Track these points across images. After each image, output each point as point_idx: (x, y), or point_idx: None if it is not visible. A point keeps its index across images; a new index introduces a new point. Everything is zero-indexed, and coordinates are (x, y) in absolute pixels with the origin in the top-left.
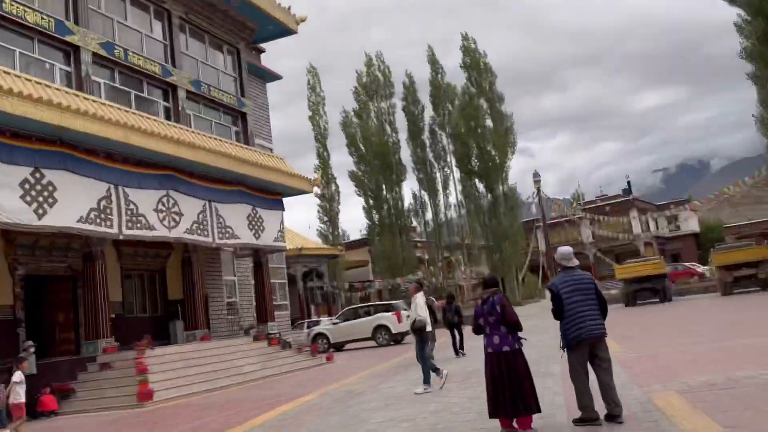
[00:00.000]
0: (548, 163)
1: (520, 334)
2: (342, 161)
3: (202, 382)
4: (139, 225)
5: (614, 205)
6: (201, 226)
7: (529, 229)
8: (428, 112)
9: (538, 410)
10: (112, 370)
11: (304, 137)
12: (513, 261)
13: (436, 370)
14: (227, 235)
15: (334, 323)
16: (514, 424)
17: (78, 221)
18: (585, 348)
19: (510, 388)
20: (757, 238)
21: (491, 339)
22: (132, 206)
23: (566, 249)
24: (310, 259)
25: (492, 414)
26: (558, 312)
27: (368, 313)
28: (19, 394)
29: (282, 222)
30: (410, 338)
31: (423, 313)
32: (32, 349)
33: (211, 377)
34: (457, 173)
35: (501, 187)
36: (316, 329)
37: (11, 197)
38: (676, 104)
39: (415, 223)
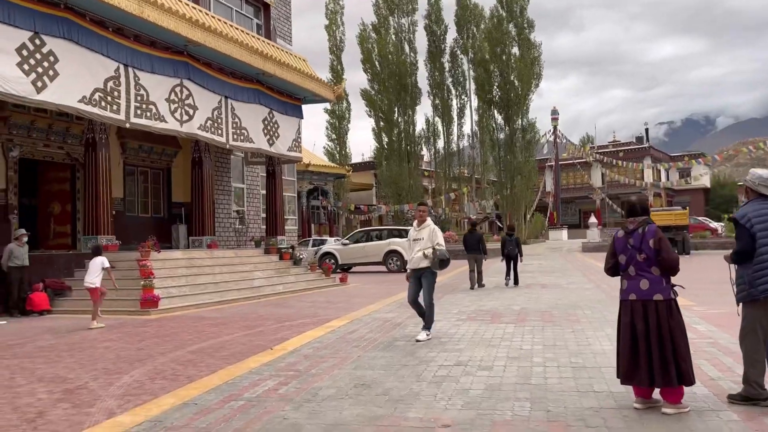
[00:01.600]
0: (555, 104)
1: (673, 279)
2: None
3: (211, 293)
4: (148, 114)
5: (628, 152)
6: (215, 124)
7: (540, 168)
8: (451, 34)
9: (693, 381)
10: (112, 270)
11: (317, 51)
12: (523, 198)
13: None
14: (242, 137)
15: (344, 244)
16: (655, 396)
17: (80, 101)
18: None
19: (659, 349)
20: None
21: (636, 283)
22: (142, 92)
23: (765, 171)
24: (316, 176)
25: (626, 380)
26: (746, 254)
27: (380, 237)
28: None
29: (299, 131)
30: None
31: (442, 242)
32: (25, 239)
33: (221, 288)
34: (474, 101)
35: (520, 121)
36: (324, 248)
37: (6, 63)
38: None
39: (425, 151)
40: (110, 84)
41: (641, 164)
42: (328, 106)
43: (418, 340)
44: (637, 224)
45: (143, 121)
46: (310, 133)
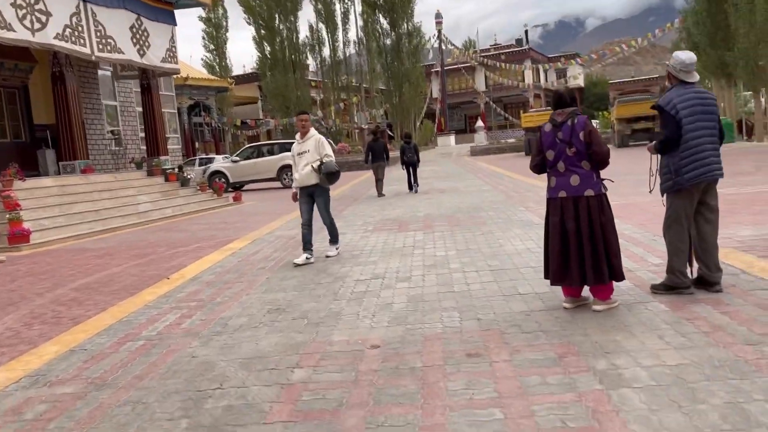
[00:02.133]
0: (434, 9)
1: (602, 173)
2: None
3: (91, 222)
4: None
5: (509, 54)
6: (75, 33)
7: (426, 74)
8: None
9: (623, 276)
10: None
11: None
12: (412, 106)
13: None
14: (109, 47)
15: (234, 161)
16: (584, 294)
17: None
18: (698, 193)
19: (591, 247)
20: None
21: (566, 179)
22: None
23: (689, 55)
24: (196, 90)
25: (556, 281)
26: (672, 141)
27: (271, 152)
28: None
29: (173, 39)
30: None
31: (331, 152)
32: None
33: (102, 216)
34: (359, 6)
35: (406, 25)
36: (213, 167)
37: None
38: None
39: (310, 60)
40: None
41: (522, 66)
42: (203, 13)
43: (327, 256)
44: (565, 116)
45: None
46: (186, 46)
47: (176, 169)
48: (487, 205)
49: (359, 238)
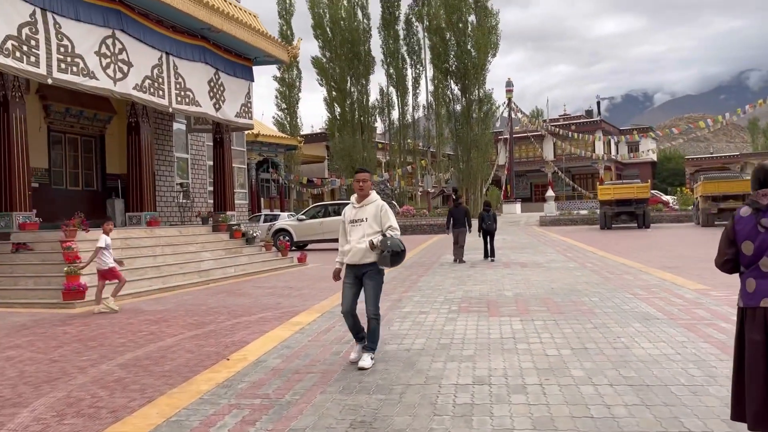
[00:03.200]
0: (501, 79)
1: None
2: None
3: (152, 278)
4: (75, 69)
5: (580, 125)
6: (155, 84)
7: (494, 141)
8: (406, 0)
9: None
10: (30, 252)
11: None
12: (479, 172)
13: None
14: (187, 99)
15: (300, 219)
16: None
17: None
18: None
19: None
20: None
21: None
22: (66, 42)
23: None
24: (266, 147)
25: (757, 424)
26: None
27: (337, 212)
28: (104, 260)
29: (249, 95)
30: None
31: (396, 224)
32: None
33: (163, 272)
34: (430, 71)
35: (477, 91)
36: (278, 224)
37: None
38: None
39: (378, 122)
40: (25, 30)
41: (593, 137)
42: (277, 73)
43: (362, 368)
44: None
45: (69, 77)
46: (259, 104)
47: (240, 226)
48: (584, 288)
49: (444, 321)
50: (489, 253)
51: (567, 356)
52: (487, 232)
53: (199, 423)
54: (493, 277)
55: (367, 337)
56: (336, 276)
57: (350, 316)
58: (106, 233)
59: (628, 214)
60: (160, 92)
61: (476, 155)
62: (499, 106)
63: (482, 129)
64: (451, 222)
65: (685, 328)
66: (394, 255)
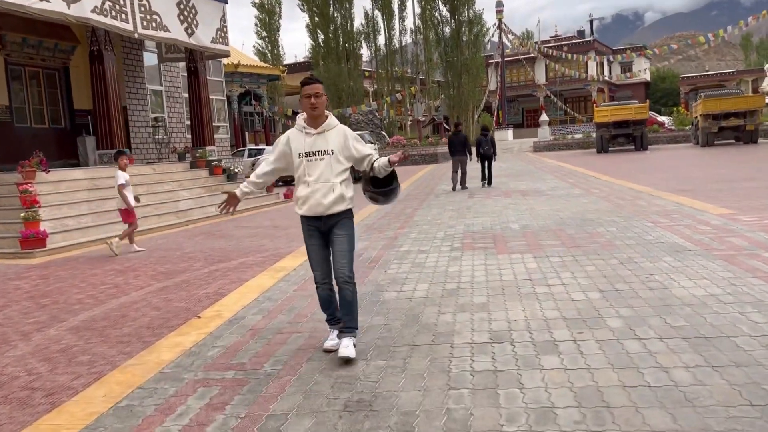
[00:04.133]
0: (490, 1)
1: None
2: None
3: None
4: None
5: (572, 46)
6: (116, 7)
7: (485, 65)
8: None
9: None
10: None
11: None
12: (471, 98)
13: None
14: (153, 24)
15: None
16: None
17: None
18: None
19: None
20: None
21: None
22: None
23: None
24: (248, 78)
25: None
26: None
27: None
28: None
29: (224, 18)
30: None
31: (371, 149)
32: None
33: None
34: None
35: (466, 12)
36: (262, 158)
37: None
38: None
39: (364, 49)
40: None
41: (587, 57)
42: None
43: (344, 358)
44: None
45: (17, 0)
46: (237, 35)
47: (221, 162)
48: (596, 216)
49: (448, 261)
50: (486, 179)
51: (597, 301)
52: (485, 157)
53: (154, 409)
54: (495, 207)
55: (342, 313)
56: (229, 204)
57: (327, 287)
58: (123, 169)
59: (625, 137)
60: (123, 15)
61: (467, 80)
62: (489, 28)
63: (473, 52)
64: (451, 149)
65: (725, 261)
66: (388, 192)
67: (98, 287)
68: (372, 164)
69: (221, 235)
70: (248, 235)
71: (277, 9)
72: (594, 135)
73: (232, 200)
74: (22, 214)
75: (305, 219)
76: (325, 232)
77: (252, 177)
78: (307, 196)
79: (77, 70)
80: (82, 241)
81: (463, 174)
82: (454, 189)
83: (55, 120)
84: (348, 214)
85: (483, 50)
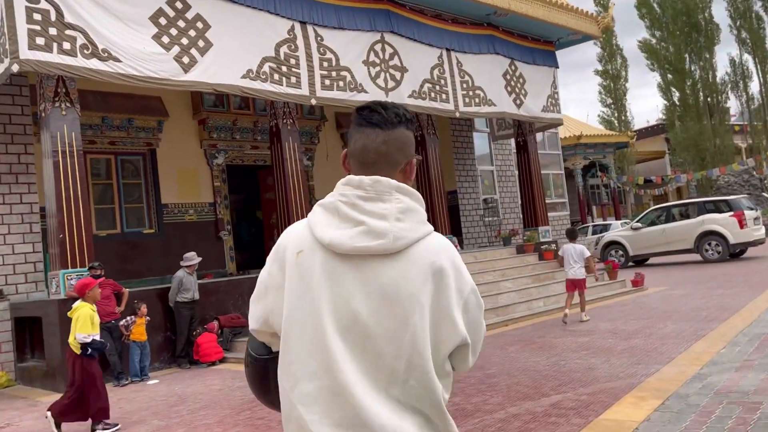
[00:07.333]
0: None
1: None
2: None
3: None
4: (341, 84)
5: None
6: (437, 87)
7: None
8: None
9: None
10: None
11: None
12: None
13: None
14: (477, 99)
15: (633, 228)
16: None
17: (245, 77)
18: None
19: None
20: None
21: None
22: (329, 55)
23: None
24: (592, 148)
25: None
26: None
27: (685, 215)
28: None
29: (554, 84)
30: (758, 251)
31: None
32: (196, 264)
33: None
34: None
35: None
36: (608, 236)
37: (139, 37)
38: None
39: (732, 100)
40: (284, 49)
41: None
42: (598, 66)
43: None
44: None
45: (333, 94)
46: (580, 106)
47: (554, 245)
48: None
49: None
50: None
51: None
52: None
53: None
54: None
55: None
56: None
57: None
58: None
59: None
60: (443, 96)
61: None
62: None
63: None
64: None
65: None
66: None
67: None
68: None
69: (540, 344)
70: (575, 347)
71: (623, 73)
72: None
73: None
74: None
75: None
76: None
77: None
78: None
79: None
80: None
81: None
82: None
83: None
84: None
85: None
